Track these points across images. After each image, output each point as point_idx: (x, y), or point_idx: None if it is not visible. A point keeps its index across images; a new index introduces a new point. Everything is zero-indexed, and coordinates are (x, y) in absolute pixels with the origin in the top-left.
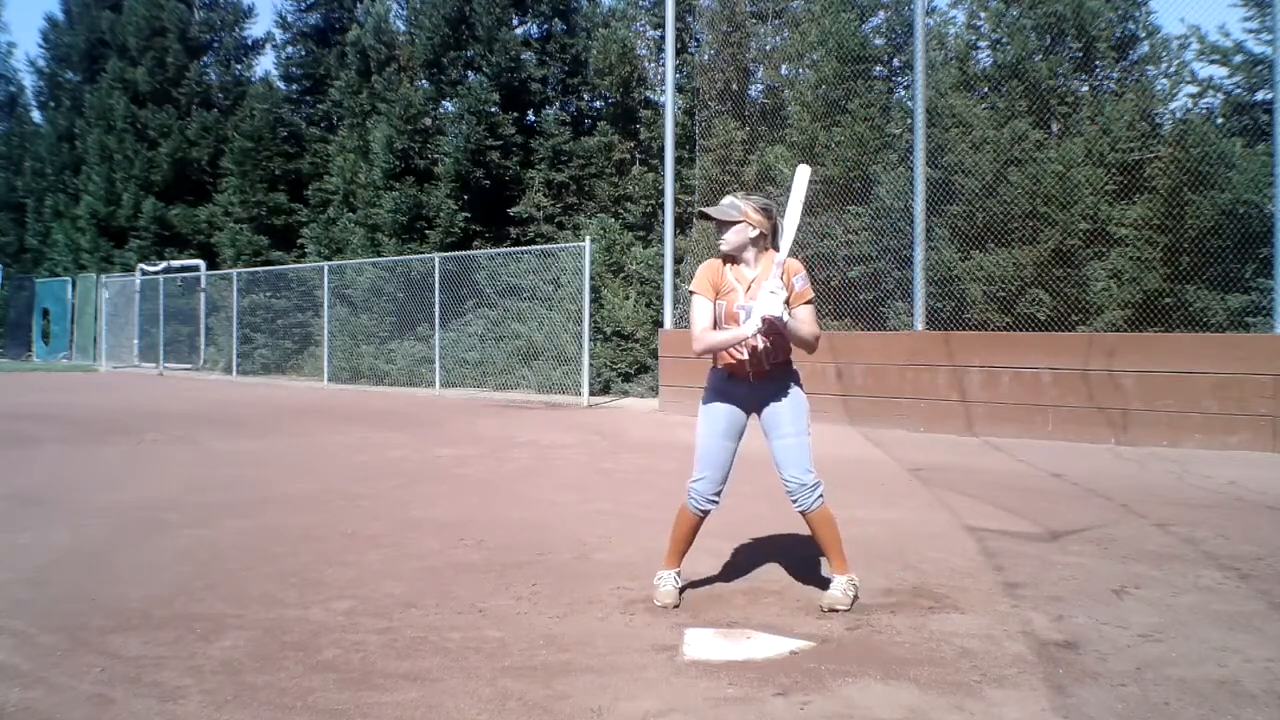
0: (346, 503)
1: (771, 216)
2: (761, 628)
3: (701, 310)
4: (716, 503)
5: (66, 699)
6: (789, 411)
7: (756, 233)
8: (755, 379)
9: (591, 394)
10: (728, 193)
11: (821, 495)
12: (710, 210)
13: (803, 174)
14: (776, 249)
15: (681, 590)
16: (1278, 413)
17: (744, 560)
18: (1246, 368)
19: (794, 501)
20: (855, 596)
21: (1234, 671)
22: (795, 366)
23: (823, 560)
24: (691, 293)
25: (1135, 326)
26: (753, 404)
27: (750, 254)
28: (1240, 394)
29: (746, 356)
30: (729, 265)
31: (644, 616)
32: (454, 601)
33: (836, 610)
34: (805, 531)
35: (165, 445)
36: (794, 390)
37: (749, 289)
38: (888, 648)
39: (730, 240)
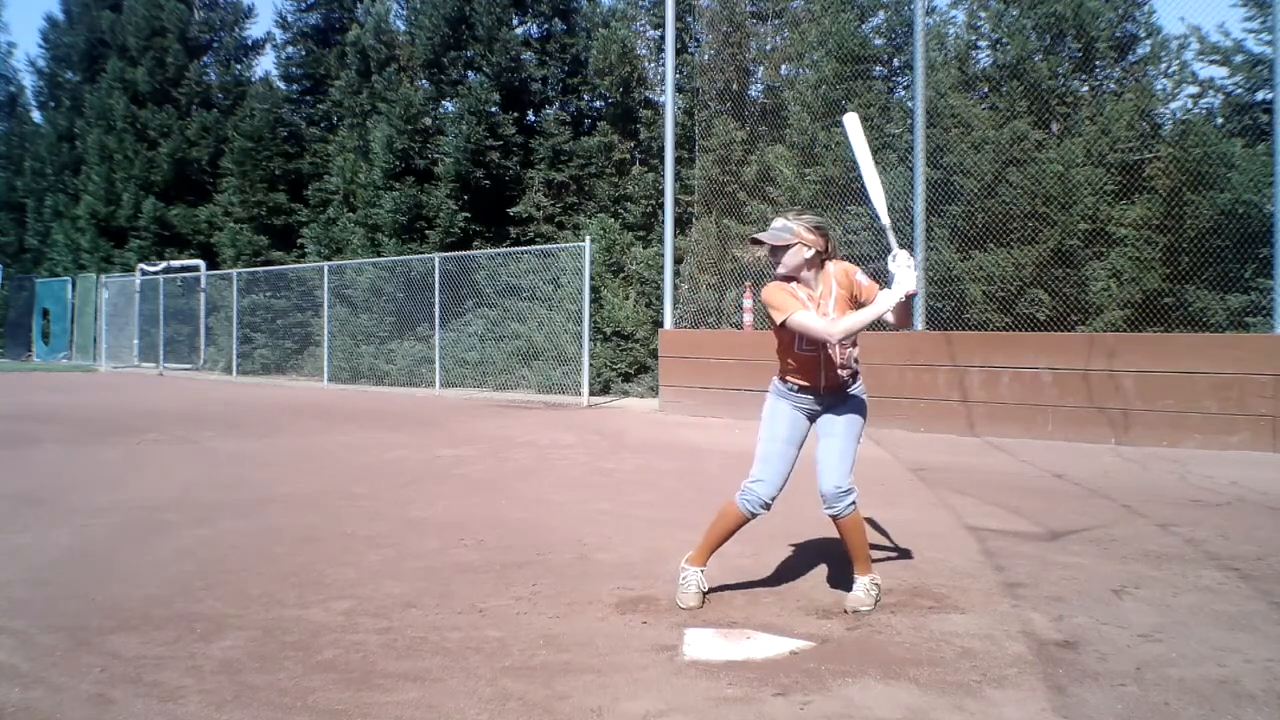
0: (346, 503)
1: (826, 234)
2: (761, 628)
3: (806, 315)
4: (768, 509)
5: (66, 699)
6: (846, 417)
7: (812, 252)
8: (826, 392)
9: (591, 394)
10: (778, 215)
11: (854, 503)
12: (763, 236)
13: (852, 122)
14: (831, 259)
15: (707, 593)
16: (1278, 413)
17: (744, 560)
18: (1246, 368)
19: (826, 506)
20: (878, 598)
21: (1234, 671)
22: (861, 375)
23: (822, 561)
24: (784, 320)
25: (1135, 326)
26: (818, 414)
27: (809, 274)
28: (1240, 394)
29: (822, 380)
30: (790, 285)
31: (644, 616)
32: (454, 601)
33: (859, 611)
34: (806, 533)
35: (165, 445)
36: (859, 400)
37: (818, 307)
38: (888, 648)
39: (788, 263)
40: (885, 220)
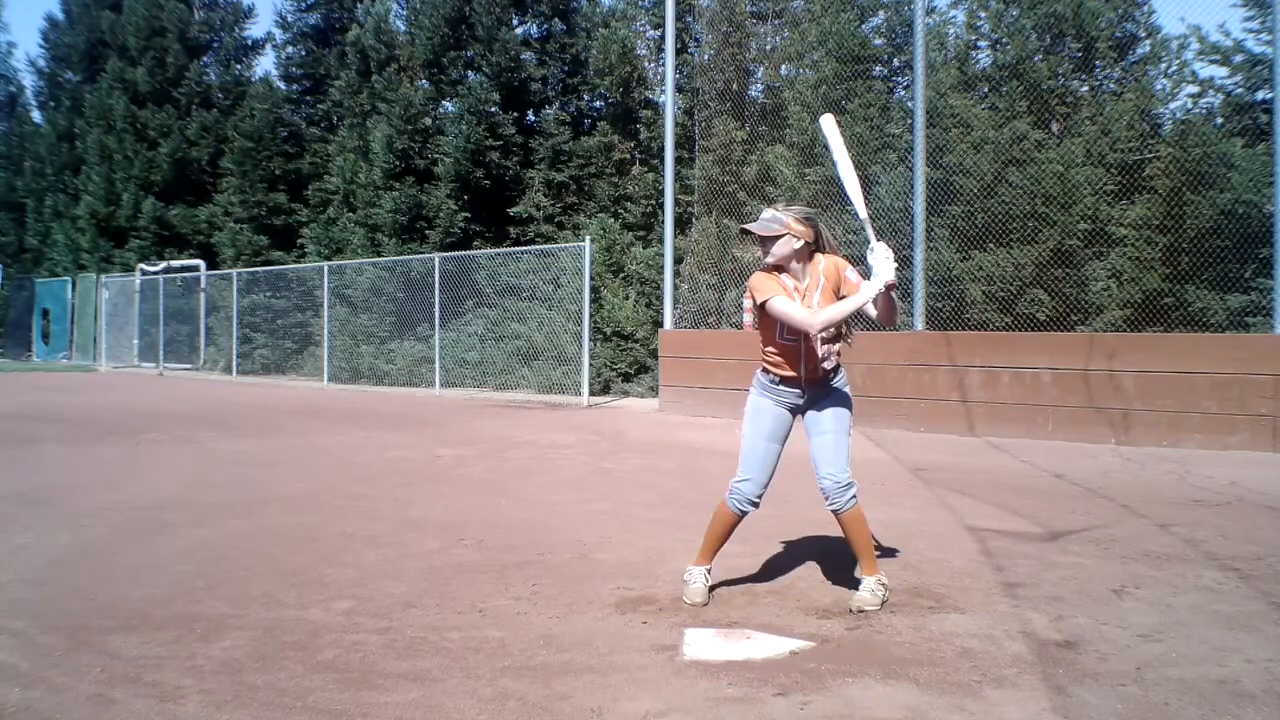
0: (346, 503)
1: (814, 225)
2: (761, 628)
3: (787, 303)
4: (757, 505)
5: (66, 699)
6: (832, 412)
7: (801, 243)
8: (808, 384)
9: (591, 394)
10: (767, 205)
11: (855, 496)
12: (752, 226)
13: (828, 123)
14: (823, 252)
15: (712, 589)
16: (1278, 413)
17: (744, 560)
18: (1246, 368)
19: (828, 501)
20: (885, 598)
21: (1234, 671)
22: (844, 369)
23: (822, 561)
24: (765, 301)
25: (1135, 326)
26: (801, 408)
27: (797, 266)
28: (1240, 394)
29: (803, 370)
30: (777, 275)
31: (644, 616)
32: (454, 601)
33: (865, 611)
34: (806, 532)
35: (165, 445)
36: (841, 393)
37: (803, 298)
38: (888, 648)
39: (777, 253)
40: (863, 213)
